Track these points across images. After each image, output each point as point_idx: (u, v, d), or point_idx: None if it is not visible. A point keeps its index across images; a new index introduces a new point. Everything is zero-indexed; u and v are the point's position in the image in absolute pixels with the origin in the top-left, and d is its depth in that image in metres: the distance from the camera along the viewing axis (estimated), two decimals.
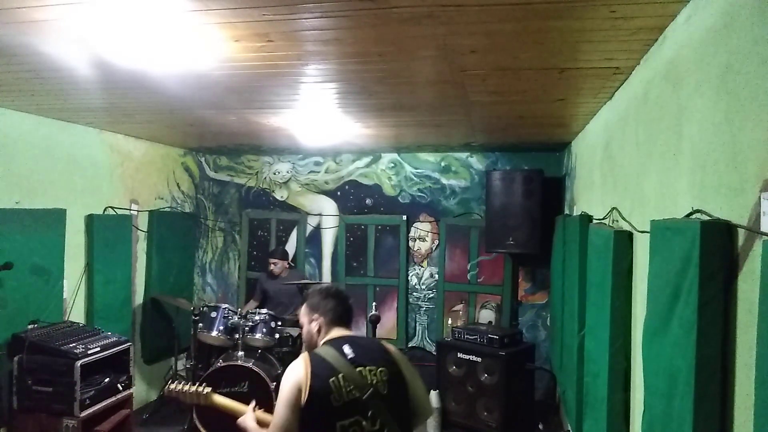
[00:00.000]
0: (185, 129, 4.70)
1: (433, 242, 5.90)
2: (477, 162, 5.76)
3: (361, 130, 4.49)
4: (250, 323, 4.73)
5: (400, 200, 5.96)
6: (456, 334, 5.03)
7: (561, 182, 5.30)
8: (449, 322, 5.53)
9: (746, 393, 1.28)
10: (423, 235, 5.92)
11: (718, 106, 1.52)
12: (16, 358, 3.57)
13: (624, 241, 2.46)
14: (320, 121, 4.08)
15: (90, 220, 4.58)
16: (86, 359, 3.62)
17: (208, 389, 2.51)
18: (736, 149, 1.39)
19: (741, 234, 1.35)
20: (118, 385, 3.92)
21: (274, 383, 4.27)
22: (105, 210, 4.81)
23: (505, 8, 1.85)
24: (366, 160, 6.06)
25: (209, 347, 5.00)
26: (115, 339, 3.99)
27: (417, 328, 5.97)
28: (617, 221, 2.75)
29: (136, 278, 5.30)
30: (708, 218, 1.52)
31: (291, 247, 6.25)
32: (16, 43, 2.31)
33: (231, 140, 5.30)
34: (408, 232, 5.92)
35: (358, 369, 2.01)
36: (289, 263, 5.81)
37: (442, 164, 5.84)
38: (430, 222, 5.89)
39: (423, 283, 5.94)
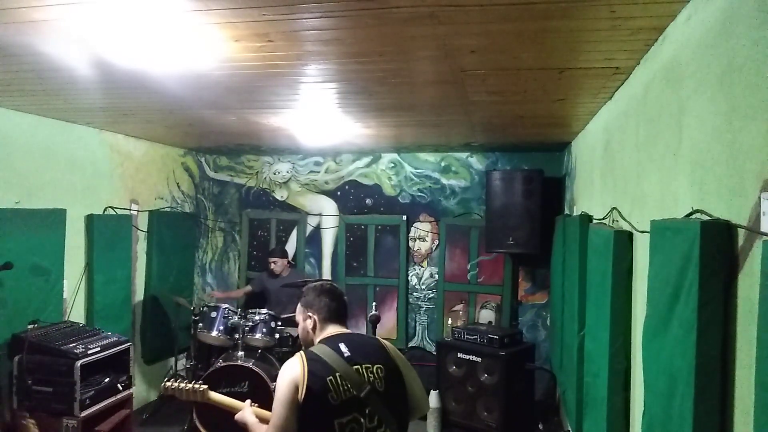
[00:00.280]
0: (185, 129, 4.70)
1: (433, 242, 5.90)
2: (477, 162, 5.76)
3: (361, 130, 4.49)
4: (250, 323, 4.73)
5: (400, 200, 5.96)
6: (456, 334, 5.03)
7: (561, 182, 5.30)
8: (449, 322, 5.52)
9: (746, 393, 1.28)
10: (423, 235, 5.92)
11: (718, 106, 1.51)
12: (16, 358, 3.57)
13: (624, 241, 2.46)
14: (320, 121, 4.08)
15: (90, 220, 4.58)
16: (86, 359, 3.61)
17: (204, 386, 2.51)
18: (736, 149, 1.39)
19: (741, 234, 1.35)
20: (118, 385, 3.92)
21: (274, 383, 4.25)
22: (105, 210, 4.81)
23: (505, 8, 1.85)
24: (366, 160, 6.06)
25: (209, 347, 5.01)
26: (115, 339, 3.99)
27: (417, 328, 5.97)
28: (617, 221, 2.75)
29: (136, 278, 5.29)
30: (708, 218, 1.52)
31: (291, 247, 6.25)
32: (16, 43, 2.31)
33: (231, 140, 5.30)
34: (408, 232, 5.92)
35: (355, 367, 2.01)
36: (289, 261, 5.83)
37: (442, 164, 5.84)
38: (430, 222, 5.89)
39: (423, 283, 5.94)
